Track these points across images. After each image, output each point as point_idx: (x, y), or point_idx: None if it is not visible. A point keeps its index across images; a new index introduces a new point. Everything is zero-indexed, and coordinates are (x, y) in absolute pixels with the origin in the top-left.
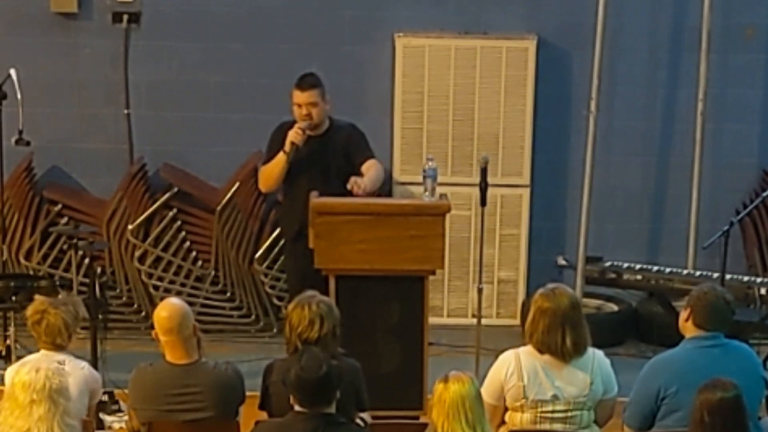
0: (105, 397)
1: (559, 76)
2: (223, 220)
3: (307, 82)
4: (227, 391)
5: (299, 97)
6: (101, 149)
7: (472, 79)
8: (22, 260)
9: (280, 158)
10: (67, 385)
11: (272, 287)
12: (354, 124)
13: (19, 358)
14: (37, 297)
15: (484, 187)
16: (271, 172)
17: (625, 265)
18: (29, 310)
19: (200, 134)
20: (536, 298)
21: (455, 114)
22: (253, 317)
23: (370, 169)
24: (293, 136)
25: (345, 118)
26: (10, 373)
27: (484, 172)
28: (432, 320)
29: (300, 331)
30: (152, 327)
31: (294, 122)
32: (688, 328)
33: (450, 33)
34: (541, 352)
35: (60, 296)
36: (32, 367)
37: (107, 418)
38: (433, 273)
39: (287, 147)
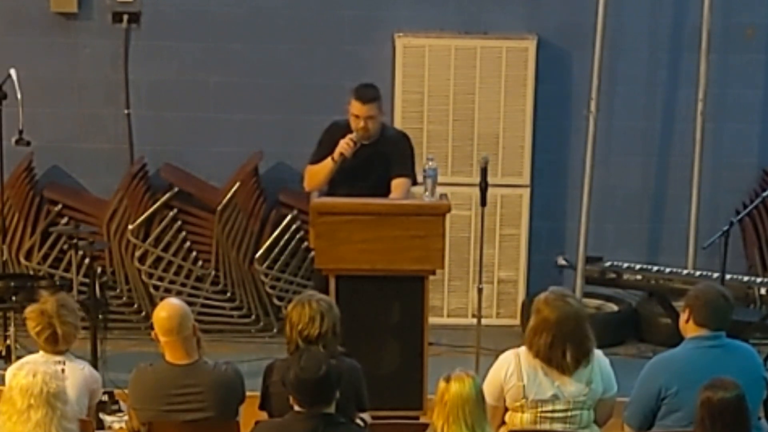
0: (105, 397)
1: (559, 76)
2: (224, 220)
3: (368, 95)
4: (227, 391)
5: (359, 109)
6: (101, 149)
7: (472, 79)
8: (22, 260)
9: (327, 164)
10: (64, 389)
11: (272, 287)
12: (406, 134)
13: (19, 358)
14: (30, 310)
15: (484, 187)
16: (317, 175)
17: (625, 265)
18: (34, 328)
19: (200, 134)
20: (542, 304)
21: (455, 114)
22: (253, 317)
23: (395, 192)
24: (344, 147)
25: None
26: (9, 373)
27: (484, 172)
28: (432, 320)
29: (300, 329)
30: (152, 327)
31: (346, 123)
32: (689, 328)
33: (450, 33)
34: (536, 356)
35: (45, 298)
36: (29, 371)
37: (107, 418)
38: (433, 273)
39: (336, 155)
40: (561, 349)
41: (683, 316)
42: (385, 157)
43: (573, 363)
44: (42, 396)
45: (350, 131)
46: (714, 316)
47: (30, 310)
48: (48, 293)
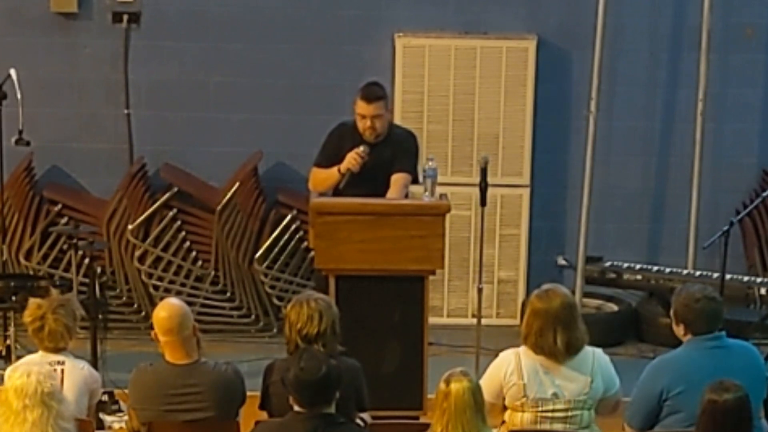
0: (105, 397)
1: (559, 76)
2: (223, 220)
3: (373, 93)
4: (227, 391)
5: (365, 108)
6: (101, 149)
7: (472, 79)
8: (22, 260)
9: (334, 174)
10: (59, 388)
11: (272, 287)
12: (413, 133)
13: (19, 358)
14: (32, 301)
15: (484, 187)
16: (323, 182)
17: (625, 265)
18: (27, 317)
19: (200, 134)
20: (531, 299)
21: (455, 114)
22: (253, 317)
23: (394, 186)
24: (351, 163)
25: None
26: (8, 374)
27: (484, 172)
28: (432, 320)
29: (300, 327)
30: (152, 327)
31: (353, 123)
32: (687, 338)
33: (450, 33)
34: (535, 353)
35: (53, 296)
36: (23, 372)
37: (107, 418)
38: (433, 273)
39: (343, 169)
40: (552, 334)
41: (678, 330)
42: (391, 156)
43: (564, 348)
44: (37, 396)
45: (357, 132)
46: (710, 322)
47: (31, 301)
48: (58, 292)
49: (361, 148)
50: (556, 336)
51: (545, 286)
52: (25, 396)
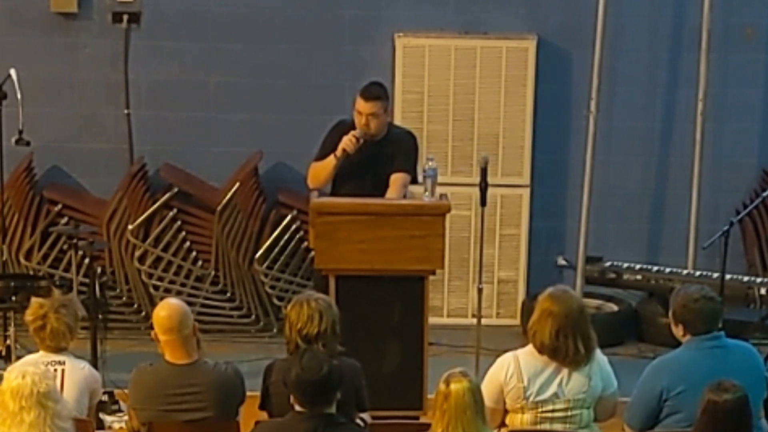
0: (105, 397)
1: (559, 76)
2: (223, 220)
3: (372, 92)
4: (227, 391)
5: (362, 106)
6: (101, 149)
7: (472, 79)
8: (22, 260)
9: (330, 161)
10: (55, 388)
11: (272, 287)
12: (412, 133)
13: (19, 358)
14: (34, 300)
15: (484, 187)
16: (320, 173)
17: (625, 265)
18: (29, 316)
19: (200, 134)
20: (543, 300)
21: (455, 114)
22: (253, 317)
23: (393, 186)
24: (346, 143)
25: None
26: (5, 375)
27: (484, 172)
28: (432, 320)
29: (300, 327)
30: (152, 327)
31: (352, 121)
32: (686, 339)
33: (450, 33)
34: (540, 352)
35: (55, 296)
36: (19, 373)
37: (107, 418)
38: (433, 273)
39: (339, 152)
40: (572, 340)
41: (677, 330)
42: (389, 155)
43: (585, 354)
44: (33, 397)
45: (355, 129)
46: (708, 322)
47: (33, 300)
48: (61, 292)
49: (357, 131)
50: (577, 343)
51: (559, 287)
52: (21, 397)
